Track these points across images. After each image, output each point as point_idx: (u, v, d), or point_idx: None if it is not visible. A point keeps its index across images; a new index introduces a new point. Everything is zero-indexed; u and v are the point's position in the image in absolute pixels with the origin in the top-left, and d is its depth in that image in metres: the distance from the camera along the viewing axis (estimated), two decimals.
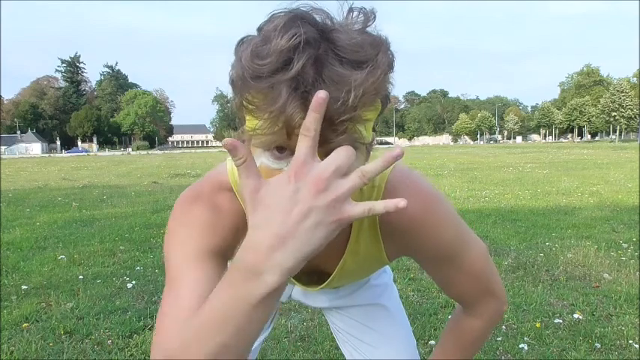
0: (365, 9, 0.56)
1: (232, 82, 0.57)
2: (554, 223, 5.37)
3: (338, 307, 1.07)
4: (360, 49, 0.52)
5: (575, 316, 2.69)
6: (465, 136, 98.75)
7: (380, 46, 0.54)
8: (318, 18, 0.54)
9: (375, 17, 0.56)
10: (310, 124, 0.47)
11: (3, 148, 71.37)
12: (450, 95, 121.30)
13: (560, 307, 2.86)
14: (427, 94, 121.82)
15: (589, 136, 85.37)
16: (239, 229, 0.72)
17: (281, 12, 0.54)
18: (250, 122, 0.56)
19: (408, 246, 0.78)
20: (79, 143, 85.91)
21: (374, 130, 0.62)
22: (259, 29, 0.55)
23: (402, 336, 1.07)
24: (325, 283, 0.84)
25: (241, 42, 0.56)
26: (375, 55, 0.53)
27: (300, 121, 0.50)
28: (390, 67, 0.55)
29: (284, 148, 0.56)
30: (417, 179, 0.78)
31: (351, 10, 0.55)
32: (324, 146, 0.52)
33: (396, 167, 0.76)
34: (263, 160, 0.58)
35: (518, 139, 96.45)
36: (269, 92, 0.51)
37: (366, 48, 0.53)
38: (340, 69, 0.51)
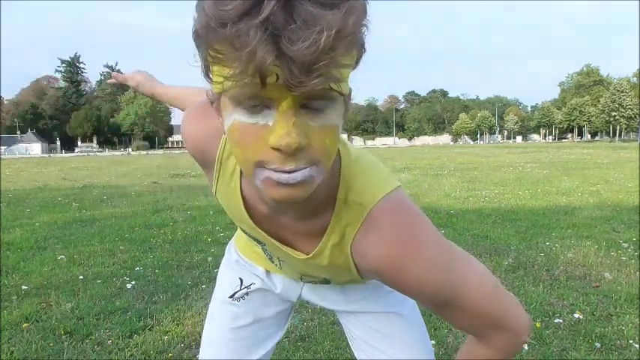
0: None
1: (196, 35, 0.53)
2: (555, 222, 5.37)
3: (351, 311, 1.04)
4: None
5: (576, 315, 2.69)
6: (465, 136, 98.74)
7: None
8: None
9: None
10: None
11: (3, 148, 71.36)
12: (450, 95, 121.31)
13: (561, 306, 2.86)
14: (427, 94, 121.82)
15: (589, 136, 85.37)
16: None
17: None
18: (219, 77, 0.53)
19: (386, 282, 0.74)
20: (79, 143, 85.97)
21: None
22: None
23: (418, 346, 1.02)
24: (303, 261, 0.80)
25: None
26: None
27: (271, 65, 0.48)
28: (364, 11, 0.52)
29: (257, 103, 0.53)
30: (407, 216, 0.71)
31: None
32: (298, 90, 0.50)
33: (392, 195, 0.72)
34: (236, 116, 0.55)
35: (518, 138, 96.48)
36: (237, 38, 0.47)
37: None
38: (312, 9, 0.47)
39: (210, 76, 0.56)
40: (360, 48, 0.55)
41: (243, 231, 0.89)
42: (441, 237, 0.73)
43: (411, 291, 0.72)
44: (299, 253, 0.78)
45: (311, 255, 0.76)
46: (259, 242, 0.87)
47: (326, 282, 0.96)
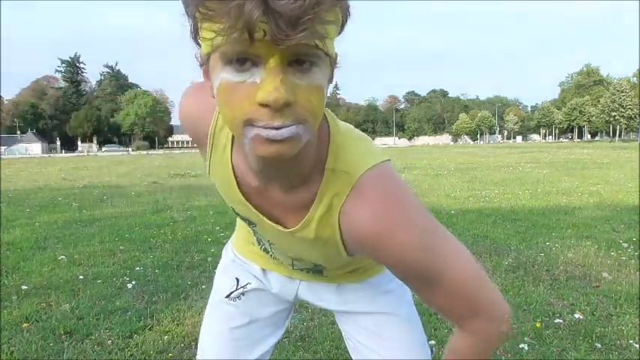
0: None
1: None
2: (555, 222, 5.37)
3: (347, 311, 1.04)
4: None
5: (576, 315, 2.69)
6: (465, 136, 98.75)
7: None
8: None
9: None
10: None
11: (3, 148, 71.36)
12: (449, 95, 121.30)
13: (561, 306, 2.86)
14: (427, 94, 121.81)
15: (589, 136, 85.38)
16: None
17: None
18: (208, 34, 0.55)
19: (370, 253, 0.74)
20: (79, 143, 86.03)
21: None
22: None
23: (414, 348, 1.01)
24: (290, 236, 0.79)
25: None
26: None
27: (259, 19, 0.49)
28: None
29: (246, 60, 0.55)
30: (393, 188, 0.72)
31: None
32: (285, 44, 0.51)
33: (380, 166, 0.72)
34: (224, 75, 0.56)
35: (518, 138, 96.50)
36: None
37: None
38: None
39: (199, 38, 0.58)
40: (345, 11, 0.57)
41: (236, 213, 0.89)
42: (426, 212, 0.73)
43: (393, 262, 0.72)
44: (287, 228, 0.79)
45: (299, 226, 0.76)
46: (250, 223, 0.88)
47: (318, 271, 0.96)
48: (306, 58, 0.55)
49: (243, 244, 1.09)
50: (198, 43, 0.60)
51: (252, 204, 0.79)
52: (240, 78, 0.56)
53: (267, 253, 1.01)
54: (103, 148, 78.33)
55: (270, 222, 0.79)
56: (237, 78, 0.56)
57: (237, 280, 1.08)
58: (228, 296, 1.08)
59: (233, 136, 0.76)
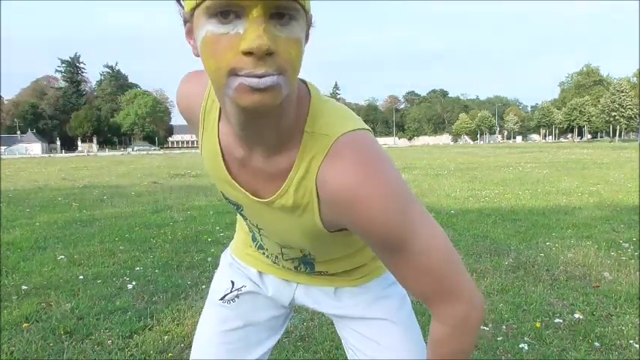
0: None
1: None
2: (555, 222, 5.37)
3: (343, 315, 1.03)
4: None
5: (576, 315, 2.69)
6: (465, 136, 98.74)
7: None
8: None
9: None
10: None
11: (3, 148, 71.38)
12: (450, 95, 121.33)
13: (561, 306, 2.86)
14: (427, 94, 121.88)
15: (589, 136, 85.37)
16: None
17: None
18: None
19: (343, 218, 0.73)
20: (79, 143, 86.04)
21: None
22: None
23: (410, 355, 0.99)
24: (269, 204, 0.80)
25: None
26: None
27: None
28: None
29: (229, 13, 0.58)
30: (371, 150, 0.72)
31: None
32: None
33: (359, 132, 0.73)
34: (208, 27, 0.59)
35: (518, 138, 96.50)
36: None
37: None
38: None
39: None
40: None
41: (225, 198, 0.90)
42: (402, 180, 0.73)
43: (363, 226, 0.71)
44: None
45: (278, 192, 0.76)
46: (238, 207, 0.90)
47: (308, 263, 0.96)
48: (286, 11, 0.58)
49: (242, 247, 1.10)
50: (180, 3, 0.64)
51: (236, 179, 0.81)
52: (224, 29, 0.58)
53: (262, 249, 1.01)
54: (135, 148, 78.98)
55: (252, 196, 0.80)
56: (221, 30, 0.58)
57: (232, 282, 1.09)
58: (222, 299, 1.08)
59: (220, 110, 0.78)
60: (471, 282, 0.77)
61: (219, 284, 1.11)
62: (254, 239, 1.02)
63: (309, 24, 0.64)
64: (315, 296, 1.04)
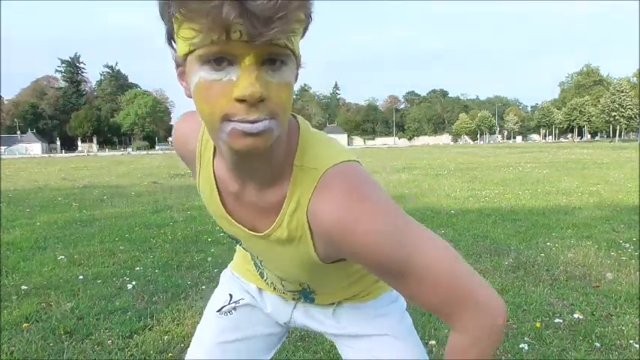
0: None
1: (164, 2, 0.59)
2: (555, 222, 5.37)
3: (344, 334, 1.02)
4: None
5: (576, 315, 2.69)
6: (465, 136, 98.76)
7: None
8: None
9: None
10: None
11: (3, 148, 71.38)
12: (450, 95, 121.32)
13: (561, 306, 2.86)
14: (427, 94, 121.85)
15: (589, 136, 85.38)
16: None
17: None
18: (183, 42, 0.60)
19: (339, 250, 0.73)
20: (79, 143, 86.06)
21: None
22: None
23: None
24: (265, 238, 0.81)
25: None
26: None
27: (236, 20, 0.54)
28: None
29: (222, 60, 0.59)
30: (357, 180, 0.72)
31: None
32: (260, 40, 0.56)
33: (348, 163, 0.73)
34: (201, 74, 0.60)
35: (518, 138, 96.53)
36: None
37: None
38: None
39: (174, 41, 0.63)
40: (308, 14, 0.62)
41: (225, 232, 0.92)
42: (391, 203, 0.72)
43: (361, 254, 0.70)
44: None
45: (273, 225, 0.78)
46: (237, 241, 0.92)
47: (308, 296, 0.97)
48: (277, 57, 0.60)
49: (242, 264, 1.10)
50: (173, 47, 0.65)
51: (232, 214, 0.82)
52: (217, 76, 0.60)
53: (263, 277, 1.02)
54: (157, 147, 78.89)
55: (248, 231, 0.82)
56: (214, 76, 0.60)
57: (231, 295, 1.09)
58: (219, 310, 1.08)
59: (215, 147, 0.81)
60: (486, 287, 0.73)
61: (217, 297, 1.12)
62: (256, 266, 1.02)
63: (298, 65, 0.66)
64: (314, 316, 1.04)
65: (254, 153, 0.64)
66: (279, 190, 0.76)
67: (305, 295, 0.98)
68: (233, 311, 1.08)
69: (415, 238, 0.71)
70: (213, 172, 0.82)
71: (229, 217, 0.83)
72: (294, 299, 1.02)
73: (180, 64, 0.65)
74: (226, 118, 0.61)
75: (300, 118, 0.80)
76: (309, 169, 0.73)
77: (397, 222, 0.70)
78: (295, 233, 0.77)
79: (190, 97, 0.66)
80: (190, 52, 0.60)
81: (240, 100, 0.59)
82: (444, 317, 0.74)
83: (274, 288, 1.03)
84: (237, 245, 1.11)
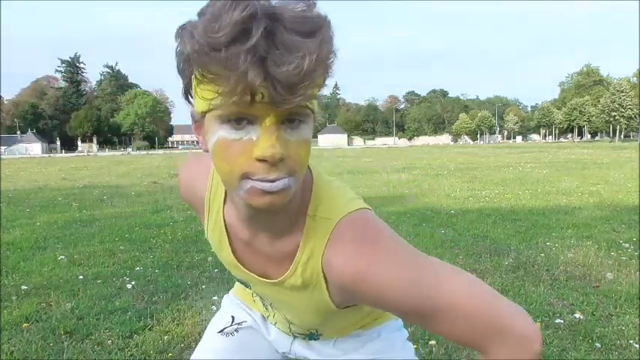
0: None
1: (186, 58, 0.58)
2: (555, 222, 5.37)
3: None
4: (307, 22, 0.56)
5: (576, 315, 2.69)
6: (465, 136, 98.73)
7: (324, 20, 0.58)
8: None
9: (315, 3, 0.59)
10: None
11: (3, 148, 71.37)
12: (450, 95, 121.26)
13: (561, 306, 2.86)
14: (427, 94, 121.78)
15: (589, 136, 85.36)
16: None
17: None
18: (202, 101, 0.60)
19: (356, 298, 0.72)
20: (79, 143, 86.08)
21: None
22: (201, 13, 0.57)
23: None
24: (278, 284, 0.80)
25: (182, 27, 0.59)
26: (320, 27, 0.57)
27: (260, 86, 0.54)
28: (333, 40, 0.58)
29: (242, 119, 0.59)
30: (370, 229, 0.71)
31: None
32: (283, 106, 0.56)
33: (360, 212, 0.73)
34: (221, 133, 0.61)
35: (518, 138, 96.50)
36: (229, 61, 0.53)
37: (312, 20, 0.56)
38: (292, 37, 0.54)
39: (191, 97, 0.63)
40: (329, 74, 0.62)
41: (234, 277, 0.92)
42: (410, 249, 0.71)
43: (382, 301, 0.69)
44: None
45: (287, 273, 0.77)
46: (246, 285, 0.91)
47: (314, 337, 0.97)
48: (296, 117, 0.61)
49: (246, 293, 1.09)
50: (189, 101, 0.65)
51: (242, 260, 0.82)
52: (237, 135, 0.60)
53: (266, 309, 1.01)
54: (181, 145, 79.47)
55: (258, 277, 0.82)
56: (234, 135, 0.60)
57: (233, 317, 1.08)
58: (221, 331, 1.07)
59: (226, 194, 0.80)
60: (519, 313, 0.69)
61: (218, 319, 1.10)
62: (265, 306, 1.01)
63: (315, 121, 0.66)
64: (313, 347, 1.04)
65: (271, 210, 0.64)
66: (291, 240, 0.76)
67: (311, 337, 0.98)
68: (235, 332, 1.06)
69: (437, 279, 0.68)
70: (224, 219, 0.82)
71: (239, 265, 0.83)
72: (300, 336, 1.01)
73: (198, 119, 0.65)
74: (245, 177, 0.61)
75: (312, 165, 0.78)
76: (322, 219, 0.74)
77: (415, 268, 0.68)
78: (310, 281, 0.76)
79: (207, 151, 0.66)
80: (209, 110, 0.60)
81: (261, 160, 0.59)
82: (480, 349, 0.71)
83: (276, 323, 1.02)
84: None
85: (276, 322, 1.01)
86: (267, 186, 0.60)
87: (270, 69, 0.53)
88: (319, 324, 0.90)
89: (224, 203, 0.81)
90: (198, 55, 0.55)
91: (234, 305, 1.11)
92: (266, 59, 0.53)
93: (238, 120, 0.59)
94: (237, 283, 1.14)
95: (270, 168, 0.59)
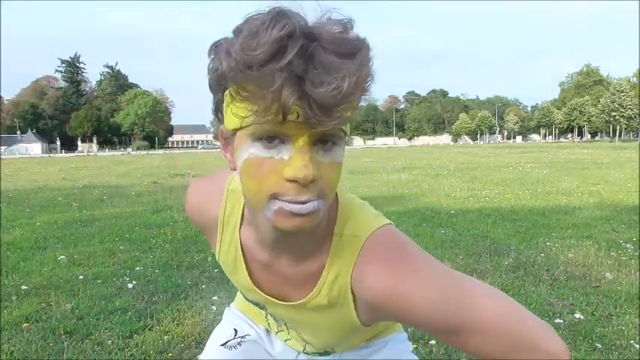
0: (341, 14, 0.58)
1: (220, 76, 0.58)
2: (555, 222, 5.37)
3: None
4: (345, 43, 0.55)
5: (576, 315, 2.69)
6: (465, 136, 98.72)
7: (362, 42, 0.57)
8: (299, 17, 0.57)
9: (352, 22, 0.58)
10: None
11: (3, 148, 71.36)
12: (450, 95, 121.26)
13: (561, 306, 2.86)
14: (427, 94, 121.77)
15: (589, 136, 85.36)
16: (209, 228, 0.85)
17: (259, 13, 0.56)
18: (235, 118, 0.59)
19: (389, 316, 0.72)
20: (79, 143, 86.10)
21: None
22: (238, 30, 0.56)
23: None
24: (300, 306, 0.78)
25: (217, 44, 0.59)
26: (360, 49, 0.56)
27: (294, 105, 0.53)
28: (371, 62, 0.57)
29: (274, 138, 0.58)
30: (399, 246, 0.71)
31: (328, 12, 0.58)
32: (319, 128, 0.55)
33: (385, 227, 0.73)
34: (252, 150, 0.59)
35: (518, 138, 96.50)
36: (264, 79, 0.52)
37: (351, 42, 0.56)
38: (330, 57, 0.53)
39: (221, 114, 0.63)
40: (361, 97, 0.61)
41: (246, 299, 0.90)
42: (438, 262, 0.72)
43: (415, 320, 0.69)
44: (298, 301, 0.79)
45: (311, 294, 0.76)
46: (261, 307, 0.89)
47: (326, 354, 0.96)
48: (329, 138, 0.60)
49: (248, 307, 1.06)
50: (219, 118, 0.65)
51: (259, 284, 0.80)
52: (268, 154, 0.59)
53: (280, 329, 0.99)
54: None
55: (277, 300, 0.80)
56: (265, 154, 0.59)
57: (236, 330, 1.06)
58: (223, 344, 1.05)
59: (243, 215, 0.79)
60: (547, 329, 0.69)
61: (220, 331, 1.08)
62: (279, 325, 0.97)
63: (346, 142, 0.65)
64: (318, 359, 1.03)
65: (299, 233, 0.62)
66: (315, 260, 0.74)
67: (322, 354, 0.97)
68: (238, 346, 1.04)
69: (467, 295, 0.68)
70: (240, 242, 0.80)
71: (255, 288, 0.81)
72: (306, 353, 1.00)
73: (227, 136, 0.65)
74: (274, 197, 0.59)
75: None
76: (349, 236, 0.73)
77: (447, 285, 0.68)
78: (337, 300, 0.75)
79: (234, 169, 0.66)
80: (241, 128, 0.59)
81: (292, 181, 0.58)
82: None
83: (287, 340, 1.00)
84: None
85: (286, 340, 0.99)
86: (296, 208, 0.59)
87: (307, 89, 0.52)
88: (337, 343, 0.89)
89: (240, 224, 0.79)
90: (235, 73, 0.54)
91: (236, 318, 1.09)
92: (303, 79, 0.52)
93: (270, 138, 0.58)
94: (238, 295, 1.12)
95: (300, 189, 0.58)
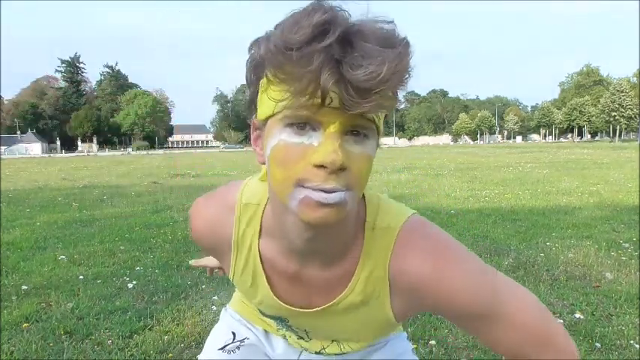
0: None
1: (256, 65, 0.60)
2: (555, 222, 5.37)
3: None
4: (387, 36, 0.56)
5: (576, 315, 2.69)
6: (465, 136, 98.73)
7: (404, 38, 0.57)
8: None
9: (394, 22, 0.59)
10: None
11: (3, 148, 71.36)
12: (450, 95, 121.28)
13: (561, 306, 2.86)
14: (427, 94, 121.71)
15: (589, 136, 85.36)
16: (221, 251, 0.82)
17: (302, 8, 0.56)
18: (270, 103, 0.59)
19: (423, 305, 0.73)
20: (79, 143, 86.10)
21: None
22: (279, 23, 0.57)
23: None
24: (329, 309, 0.77)
25: (257, 39, 0.60)
26: (401, 42, 0.56)
27: (331, 90, 0.53)
28: (411, 58, 0.57)
29: (305, 124, 0.58)
30: (432, 232, 0.74)
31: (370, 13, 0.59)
32: (354, 110, 0.54)
33: (414, 217, 0.75)
34: (282, 136, 0.59)
35: (518, 138, 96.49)
36: (302, 59, 0.53)
37: (393, 36, 0.56)
38: (371, 46, 0.53)
39: (255, 106, 0.63)
40: (399, 94, 0.60)
41: (263, 314, 0.88)
42: (469, 252, 0.74)
43: (450, 308, 0.70)
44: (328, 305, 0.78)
45: (344, 293, 0.75)
46: (282, 321, 0.87)
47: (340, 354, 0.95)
48: (361, 129, 0.59)
49: (247, 308, 1.05)
50: (252, 111, 0.65)
51: (282, 297, 0.79)
52: (298, 140, 0.58)
53: (300, 338, 0.96)
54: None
55: (303, 310, 0.79)
56: (295, 139, 0.58)
57: (234, 334, 1.05)
58: (222, 348, 1.03)
59: (261, 228, 0.77)
60: (563, 330, 0.74)
61: (218, 334, 1.07)
62: (298, 334, 0.95)
63: (379, 140, 0.65)
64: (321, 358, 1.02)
65: (324, 226, 0.61)
66: (348, 258, 0.74)
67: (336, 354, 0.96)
68: (237, 350, 1.03)
69: (502, 282, 0.71)
70: (260, 257, 0.78)
71: (279, 302, 0.79)
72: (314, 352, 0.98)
73: (259, 127, 0.65)
74: (300, 184, 0.58)
75: None
76: (381, 229, 0.73)
77: (482, 272, 0.71)
78: (372, 295, 0.75)
79: (263, 163, 0.65)
80: (273, 114, 0.59)
81: (320, 167, 0.57)
82: (522, 358, 0.73)
83: (301, 343, 0.97)
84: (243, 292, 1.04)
85: (304, 348, 0.97)
86: (322, 196, 0.57)
87: (345, 71, 0.52)
88: (364, 339, 0.88)
89: (259, 238, 0.77)
90: (273, 55, 0.54)
91: (234, 321, 1.07)
92: (341, 62, 0.52)
93: (302, 125, 0.58)
94: (235, 297, 1.11)
95: (327, 176, 0.57)
